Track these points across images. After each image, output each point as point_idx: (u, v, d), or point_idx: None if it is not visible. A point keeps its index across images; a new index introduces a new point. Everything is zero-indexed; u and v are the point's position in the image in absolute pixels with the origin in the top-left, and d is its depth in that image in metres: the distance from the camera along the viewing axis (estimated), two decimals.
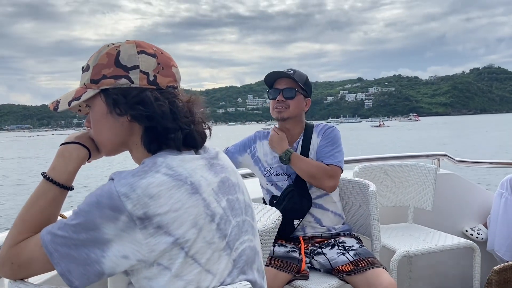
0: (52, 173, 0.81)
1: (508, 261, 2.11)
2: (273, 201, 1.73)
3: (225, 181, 0.81)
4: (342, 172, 1.72)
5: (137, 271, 0.72)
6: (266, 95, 1.81)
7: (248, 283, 0.78)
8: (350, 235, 1.75)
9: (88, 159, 0.87)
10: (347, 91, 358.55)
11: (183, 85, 0.87)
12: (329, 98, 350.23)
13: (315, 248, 1.68)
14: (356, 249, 1.62)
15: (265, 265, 1.17)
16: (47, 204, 0.79)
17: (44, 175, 0.82)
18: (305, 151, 1.73)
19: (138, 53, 0.80)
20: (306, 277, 1.57)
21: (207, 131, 0.85)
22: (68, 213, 0.82)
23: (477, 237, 2.46)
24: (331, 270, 1.59)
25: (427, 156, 2.72)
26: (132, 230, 0.68)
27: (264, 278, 0.88)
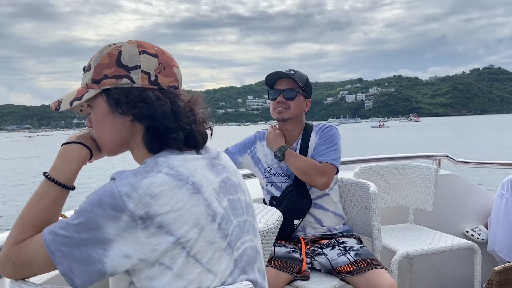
0: (54, 172, 0.81)
1: (509, 262, 2.11)
2: (273, 202, 1.74)
3: (226, 181, 0.81)
4: (337, 170, 1.71)
5: (139, 270, 0.72)
6: (266, 96, 1.81)
7: (249, 283, 0.78)
8: (350, 236, 1.75)
9: (90, 159, 0.87)
10: (347, 92, 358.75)
11: (183, 85, 0.87)
12: (329, 99, 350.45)
13: (315, 249, 1.68)
14: (357, 250, 1.62)
15: (266, 266, 1.17)
16: (48, 203, 0.79)
17: (45, 174, 0.82)
18: (303, 151, 1.73)
19: (140, 53, 0.80)
20: (307, 278, 1.57)
21: (208, 131, 0.85)
22: (69, 213, 0.82)
23: (477, 238, 2.46)
24: (332, 271, 1.59)
25: (428, 156, 2.72)
26: (133, 229, 0.68)
27: (265, 278, 0.88)
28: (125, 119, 0.79)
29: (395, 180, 2.42)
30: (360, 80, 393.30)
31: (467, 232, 2.52)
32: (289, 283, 1.55)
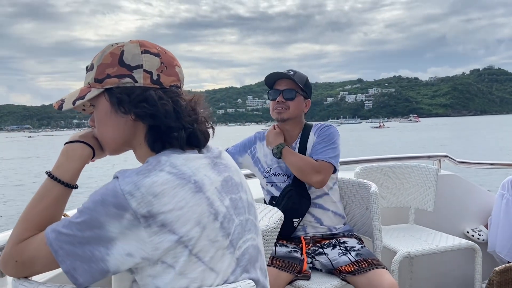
0: (57, 171, 0.82)
1: (509, 262, 2.11)
2: (273, 202, 1.74)
3: (228, 180, 0.81)
4: (335, 169, 1.71)
5: (141, 269, 0.73)
6: (266, 96, 1.81)
7: (251, 281, 0.78)
8: (351, 236, 1.75)
9: (92, 158, 0.87)
10: (347, 92, 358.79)
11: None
12: (329, 99, 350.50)
13: (316, 248, 1.68)
14: (358, 250, 1.62)
15: (267, 265, 1.18)
16: (51, 202, 0.79)
17: (48, 173, 0.82)
18: (302, 150, 1.74)
19: (142, 52, 0.80)
20: (307, 277, 1.57)
21: (210, 130, 0.86)
22: (70, 213, 0.82)
23: (478, 238, 2.47)
24: (333, 271, 1.59)
25: (428, 157, 2.72)
26: (136, 228, 0.69)
27: (267, 277, 0.89)
28: (127, 118, 0.79)
29: (396, 180, 2.43)
30: (360, 80, 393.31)
31: (468, 232, 2.52)
32: (290, 282, 1.55)
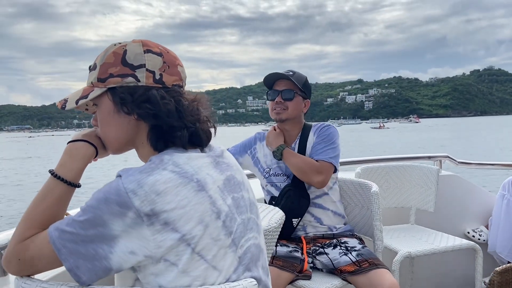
0: (60, 170, 0.82)
1: (509, 262, 2.11)
2: (272, 202, 1.75)
3: (230, 179, 0.82)
4: (335, 169, 1.72)
5: (144, 267, 0.73)
6: (266, 97, 1.82)
7: (253, 280, 0.78)
8: (352, 236, 1.75)
9: (95, 157, 0.88)
10: (347, 93, 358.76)
11: None
12: (329, 100, 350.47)
13: (317, 248, 1.69)
14: (359, 250, 1.62)
15: (268, 265, 1.18)
16: (54, 201, 0.80)
17: (51, 172, 0.82)
18: (302, 151, 1.74)
19: (144, 52, 0.81)
20: (308, 277, 1.57)
21: (212, 130, 0.86)
22: (73, 212, 0.83)
23: (479, 239, 2.47)
24: (334, 270, 1.60)
25: (429, 157, 2.73)
26: (139, 226, 0.69)
27: (269, 276, 0.89)
28: (130, 117, 0.80)
29: (397, 180, 2.43)
30: (360, 81, 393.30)
31: (468, 233, 2.52)
32: (291, 282, 1.55)
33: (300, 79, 1.74)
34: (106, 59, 0.81)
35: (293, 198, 1.69)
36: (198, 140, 0.82)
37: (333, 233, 1.75)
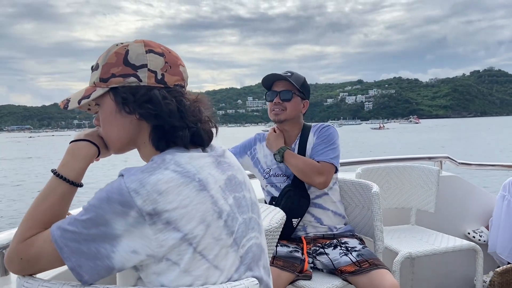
0: (62, 169, 0.82)
1: (509, 263, 2.11)
2: (273, 202, 1.75)
3: (231, 178, 0.82)
4: (336, 169, 1.72)
5: (146, 266, 0.73)
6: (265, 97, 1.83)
7: (255, 279, 0.78)
8: (352, 236, 1.75)
9: (97, 156, 0.88)
10: (347, 93, 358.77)
11: None
12: (329, 100, 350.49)
13: (317, 248, 1.69)
14: (359, 250, 1.62)
15: None
16: (56, 200, 0.80)
17: (54, 171, 0.82)
18: (301, 151, 1.75)
19: (146, 52, 0.81)
20: (309, 277, 1.57)
21: (213, 130, 0.86)
22: (74, 212, 0.83)
23: (479, 240, 2.47)
24: (334, 271, 1.60)
25: (430, 158, 2.73)
26: (141, 225, 0.69)
27: (270, 276, 0.89)
28: (132, 117, 0.80)
29: (397, 181, 2.43)
30: (360, 81, 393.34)
31: (469, 233, 2.52)
32: (292, 282, 1.55)
33: (298, 79, 1.75)
34: (108, 59, 0.81)
35: (293, 198, 1.69)
36: (200, 140, 0.82)
37: (334, 233, 1.75)
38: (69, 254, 0.70)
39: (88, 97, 0.81)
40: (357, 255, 1.58)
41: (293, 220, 1.70)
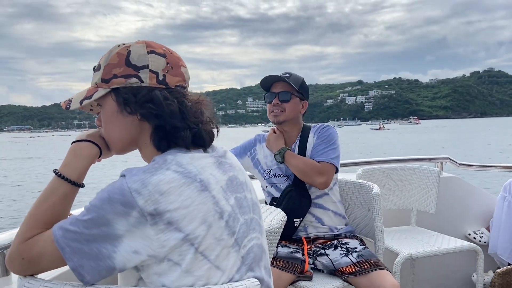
0: (64, 170, 0.82)
1: (510, 264, 2.11)
2: (273, 203, 1.75)
3: (233, 179, 0.82)
4: (337, 170, 1.73)
5: (148, 266, 0.73)
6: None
7: (256, 280, 0.78)
8: (353, 237, 1.75)
9: (99, 157, 0.88)
10: (347, 94, 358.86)
11: None
12: (329, 101, 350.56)
13: (318, 249, 1.69)
14: (359, 251, 1.62)
15: None
16: (58, 200, 0.80)
17: (56, 172, 0.83)
18: (302, 152, 1.75)
19: (148, 53, 0.81)
20: (309, 278, 1.57)
21: (214, 130, 0.86)
22: (75, 212, 0.83)
23: (479, 241, 2.47)
24: (334, 271, 1.60)
25: (430, 159, 2.73)
26: (143, 225, 0.69)
27: (271, 276, 0.89)
28: (133, 118, 0.80)
29: (398, 182, 2.43)
30: (360, 82, 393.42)
31: (469, 234, 2.52)
32: (292, 283, 1.55)
33: (296, 80, 1.76)
34: (110, 60, 0.81)
35: (295, 198, 1.69)
36: (201, 141, 0.82)
37: (334, 234, 1.75)
38: (70, 254, 0.70)
39: (90, 97, 0.82)
40: (358, 256, 1.58)
41: (294, 220, 1.70)
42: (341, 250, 1.65)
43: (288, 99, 1.73)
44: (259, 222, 0.87)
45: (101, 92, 0.81)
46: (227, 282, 0.75)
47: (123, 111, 0.80)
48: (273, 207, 1.42)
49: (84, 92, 0.84)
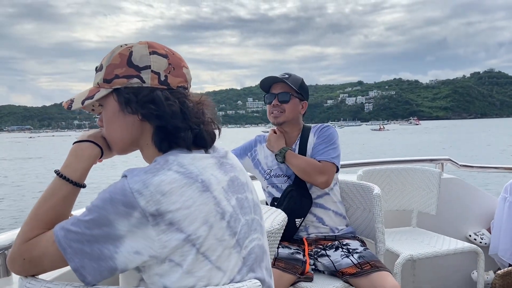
0: (66, 170, 0.82)
1: (511, 265, 2.11)
2: (274, 203, 1.75)
3: (234, 180, 0.82)
4: (337, 169, 1.73)
5: (149, 267, 0.73)
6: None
7: (257, 281, 0.78)
8: (354, 238, 1.75)
9: (100, 157, 0.88)
10: (347, 95, 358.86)
11: None
12: (329, 101, 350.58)
13: (319, 250, 1.69)
14: (360, 252, 1.62)
15: None
16: (59, 201, 0.80)
17: (57, 172, 0.83)
18: (302, 152, 1.76)
19: (150, 53, 0.81)
20: (310, 279, 1.57)
21: (216, 131, 0.86)
22: (76, 213, 0.83)
23: (480, 242, 2.46)
24: (335, 273, 1.60)
25: (431, 160, 2.73)
26: (144, 226, 0.69)
27: (272, 277, 0.89)
28: (135, 118, 0.80)
29: (399, 183, 2.43)
30: (360, 83, 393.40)
31: (470, 236, 2.52)
32: (293, 284, 1.55)
33: (295, 81, 1.76)
34: (112, 60, 0.81)
35: (296, 198, 1.70)
36: (203, 142, 0.82)
37: (335, 235, 1.75)
38: (72, 255, 0.70)
39: (91, 97, 0.82)
40: (359, 257, 1.58)
41: (296, 220, 1.70)
42: (342, 251, 1.65)
43: (287, 100, 1.74)
44: (260, 223, 0.87)
45: (102, 92, 0.81)
46: (228, 283, 0.75)
47: (124, 111, 0.80)
48: (273, 208, 1.42)
49: (86, 92, 0.84)
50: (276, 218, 1.26)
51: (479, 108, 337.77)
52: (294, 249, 1.67)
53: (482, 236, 2.50)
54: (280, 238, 1.24)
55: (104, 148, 0.87)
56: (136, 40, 0.86)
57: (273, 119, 1.77)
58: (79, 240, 0.70)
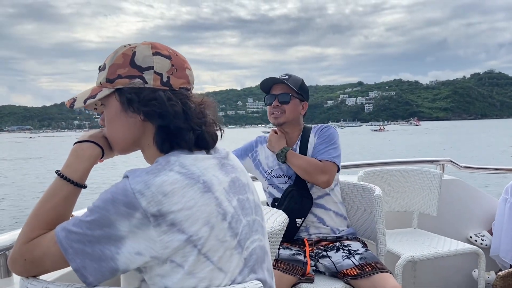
0: (67, 171, 0.82)
1: None
2: (275, 204, 1.75)
3: (235, 181, 0.82)
4: (338, 168, 1.73)
5: (150, 268, 0.73)
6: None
7: (259, 282, 0.78)
8: (355, 239, 1.75)
9: (101, 158, 0.88)
10: (347, 95, 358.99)
11: None
12: (329, 102, 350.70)
13: (320, 251, 1.68)
14: (362, 253, 1.62)
15: None
16: (60, 201, 0.80)
17: (58, 172, 0.83)
18: (303, 152, 1.76)
19: (153, 54, 0.81)
20: (311, 280, 1.57)
21: (218, 133, 0.86)
22: (77, 214, 0.82)
23: (481, 244, 2.46)
24: (336, 274, 1.59)
25: (432, 161, 2.73)
26: (146, 227, 0.69)
27: (273, 278, 0.89)
28: (136, 118, 0.80)
29: (399, 184, 2.43)
30: (360, 83, 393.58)
31: (471, 237, 2.52)
32: (294, 285, 1.55)
33: (295, 82, 1.77)
34: (115, 60, 0.82)
35: (296, 198, 1.70)
36: (204, 143, 0.82)
37: (336, 236, 1.75)
38: (73, 256, 0.70)
39: (94, 97, 0.82)
40: (360, 258, 1.58)
41: (296, 220, 1.70)
42: (343, 252, 1.64)
43: (287, 101, 1.74)
44: (262, 224, 0.87)
45: (105, 91, 0.81)
46: (230, 284, 0.75)
47: (126, 111, 0.80)
48: (274, 209, 1.41)
49: (88, 91, 0.84)
50: (277, 219, 1.26)
51: (479, 109, 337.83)
52: (295, 250, 1.67)
53: (483, 238, 2.49)
54: (281, 239, 1.24)
55: (105, 148, 0.87)
56: (136, 41, 0.86)
57: (273, 120, 1.78)
58: (81, 240, 0.70)
